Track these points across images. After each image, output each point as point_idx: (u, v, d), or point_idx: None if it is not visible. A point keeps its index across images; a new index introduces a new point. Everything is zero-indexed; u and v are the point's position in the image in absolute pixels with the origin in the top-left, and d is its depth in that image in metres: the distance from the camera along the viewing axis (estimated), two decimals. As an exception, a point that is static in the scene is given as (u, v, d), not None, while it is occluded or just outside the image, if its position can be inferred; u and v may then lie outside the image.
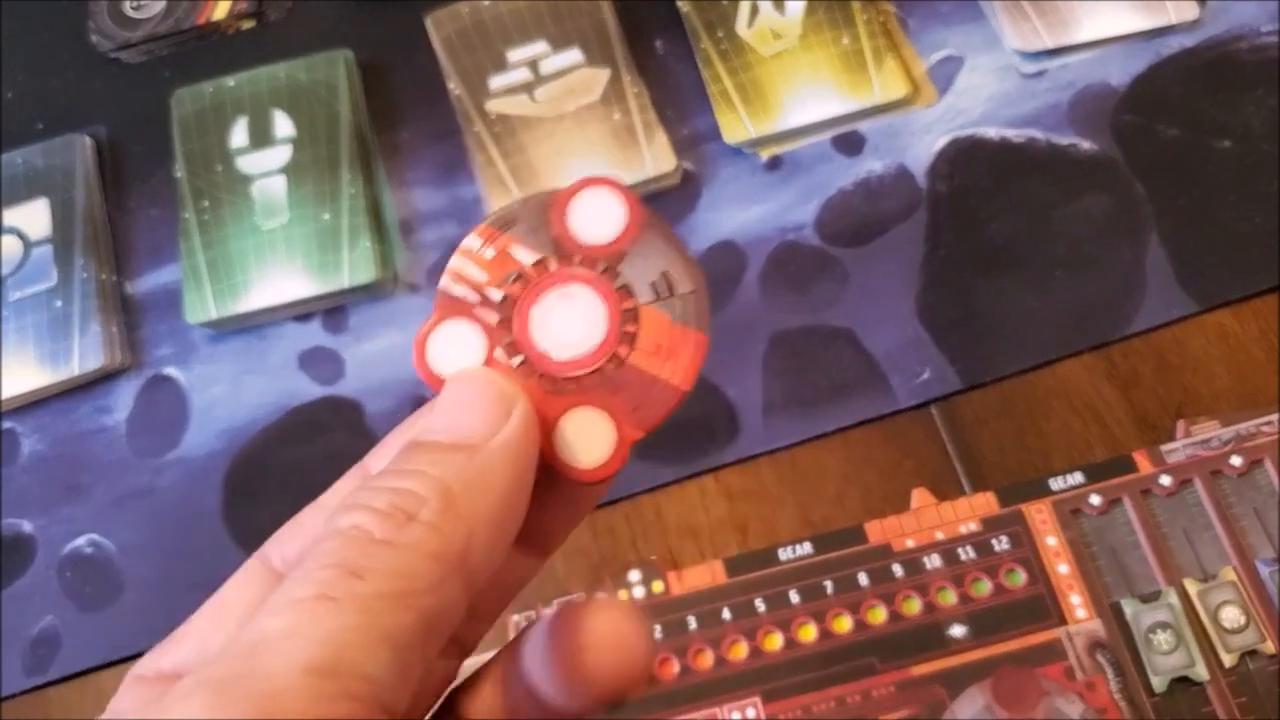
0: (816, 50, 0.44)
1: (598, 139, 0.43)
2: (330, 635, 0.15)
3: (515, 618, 0.35)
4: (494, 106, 0.45)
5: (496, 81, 0.45)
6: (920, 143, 0.43)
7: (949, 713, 0.33)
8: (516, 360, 0.19)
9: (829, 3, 0.45)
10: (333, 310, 0.43)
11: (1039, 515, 0.35)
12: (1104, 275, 0.40)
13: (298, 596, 0.15)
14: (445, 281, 0.20)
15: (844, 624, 0.34)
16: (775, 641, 0.34)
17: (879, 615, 0.34)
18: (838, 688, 0.34)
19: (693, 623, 0.35)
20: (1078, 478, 0.36)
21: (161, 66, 0.48)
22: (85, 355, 0.42)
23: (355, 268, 0.42)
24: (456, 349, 0.19)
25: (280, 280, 0.42)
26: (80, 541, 0.40)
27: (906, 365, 0.39)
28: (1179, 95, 0.42)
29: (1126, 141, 0.42)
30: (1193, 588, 0.34)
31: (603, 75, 0.44)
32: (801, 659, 0.34)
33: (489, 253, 0.20)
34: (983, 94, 0.43)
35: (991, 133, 0.43)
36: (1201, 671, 0.33)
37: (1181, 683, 0.33)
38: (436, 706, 0.20)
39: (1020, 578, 0.35)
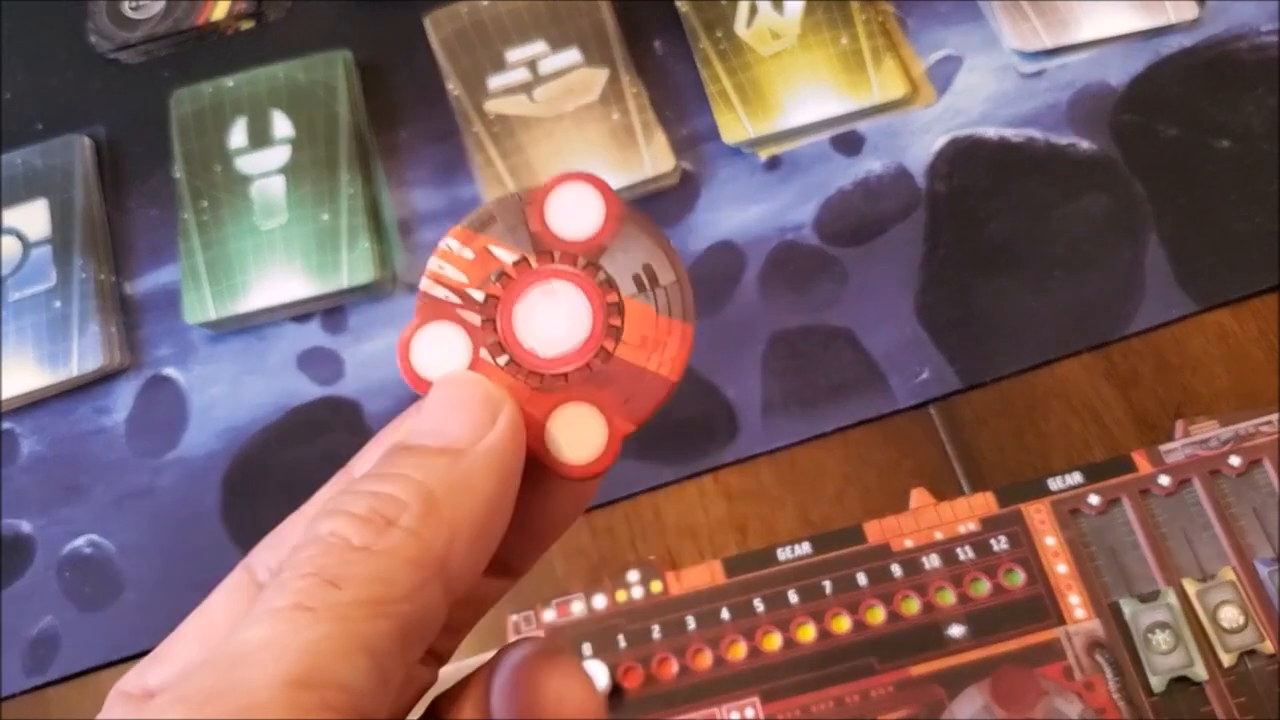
0: (815, 50, 0.44)
1: (596, 139, 0.43)
2: (307, 645, 0.15)
3: (514, 618, 0.35)
4: (493, 107, 0.45)
5: (495, 82, 0.45)
6: (919, 142, 0.43)
7: (948, 713, 0.33)
8: (502, 360, 0.19)
9: (828, 2, 0.45)
10: (332, 310, 0.43)
11: (1038, 515, 0.35)
12: (1103, 275, 0.40)
13: (275, 606, 0.15)
14: (425, 284, 0.20)
15: (843, 624, 0.34)
16: (774, 641, 0.34)
17: (878, 615, 0.34)
18: (836, 688, 0.34)
19: (691, 623, 0.35)
20: (1076, 478, 0.36)
21: (160, 67, 0.48)
22: (84, 356, 0.42)
23: (354, 268, 0.42)
24: (440, 351, 0.19)
25: (279, 280, 0.42)
26: (80, 542, 0.40)
27: (905, 365, 0.39)
28: (1178, 95, 0.42)
29: (1126, 141, 0.42)
30: (1191, 587, 0.34)
31: (601, 75, 0.44)
32: (800, 659, 0.34)
33: (467, 254, 0.20)
34: (981, 94, 0.43)
35: (990, 132, 0.43)
36: (1200, 671, 0.33)
37: (1180, 682, 0.33)
38: (421, 714, 0.20)
39: (1019, 578, 0.35)
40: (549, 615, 0.35)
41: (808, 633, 0.34)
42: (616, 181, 0.42)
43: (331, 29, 0.48)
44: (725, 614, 0.35)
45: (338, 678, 0.15)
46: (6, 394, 0.42)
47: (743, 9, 0.45)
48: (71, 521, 0.40)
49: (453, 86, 0.45)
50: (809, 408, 0.39)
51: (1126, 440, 0.37)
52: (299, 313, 0.43)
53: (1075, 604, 0.34)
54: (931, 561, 0.35)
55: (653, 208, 0.43)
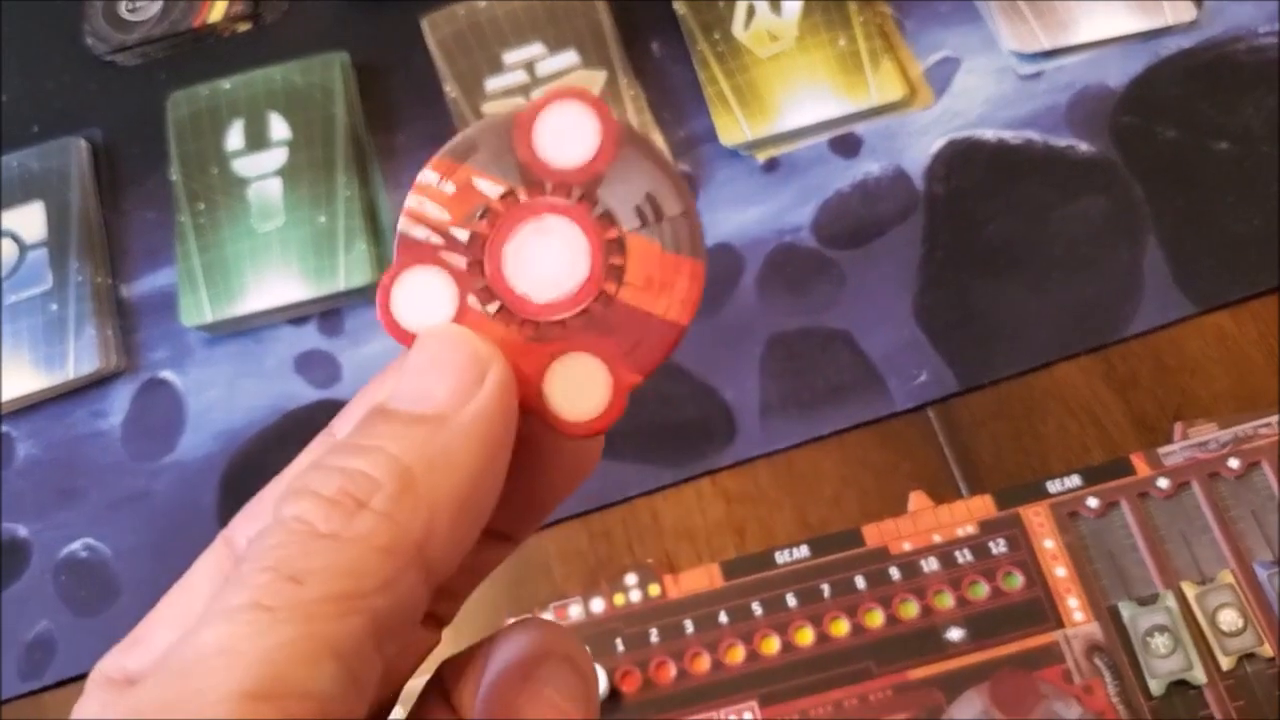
0: (813, 52, 0.44)
1: (594, 141, 0.43)
2: (266, 652, 0.13)
3: (510, 621, 0.35)
4: (490, 109, 0.45)
5: (493, 84, 0.45)
6: (917, 144, 0.43)
7: (946, 716, 0.33)
8: (493, 307, 0.17)
9: (825, 4, 0.44)
10: (328, 313, 0.42)
11: (1036, 518, 0.35)
12: (1102, 277, 0.40)
13: (232, 605, 0.14)
14: (403, 224, 0.18)
15: (841, 627, 0.34)
16: (772, 645, 0.34)
17: (876, 618, 0.34)
18: (835, 691, 0.34)
19: (689, 626, 0.35)
20: (1075, 480, 0.36)
21: (157, 69, 0.48)
22: (80, 359, 0.42)
23: (351, 271, 0.42)
24: (424, 299, 0.17)
25: (276, 283, 0.42)
26: (76, 546, 0.40)
27: (903, 367, 0.39)
28: (1177, 97, 0.42)
29: (1124, 143, 0.42)
30: (1190, 590, 0.34)
31: (599, 77, 0.44)
32: (798, 662, 0.34)
33: (449, 187, 0.17)
34: (980, 96, 0.43)
35: (989, 134, 0.43)
36: (1199, 674, 0.33)
37: (1179, 686, 0.33)
38: (427, 679, 0.19)
39: (1017, 581, 0.34)
40: (546, 619, 0.35)
41: (806, 636, 0.34)
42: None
43: (328, 31, 0.48)
44: (723, 617, 0.35)
45: (301, 686, 0.13)
46: (3, 397, 0.41)
47: (740, 11, 0.45)
48: (67, 525, 0.40)
49: (450, 89, 0.45)
50: (807, 410, 0.39)
51: (1125, 443, 0.37)
52: (296, 315, 0.42)
53: (1074, 607, 0.34)
54: (930, 564, 0.35)
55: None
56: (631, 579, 0.36)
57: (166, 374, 0.42)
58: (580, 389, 0.17)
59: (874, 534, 0.36)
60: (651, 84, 0.45)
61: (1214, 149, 0.41)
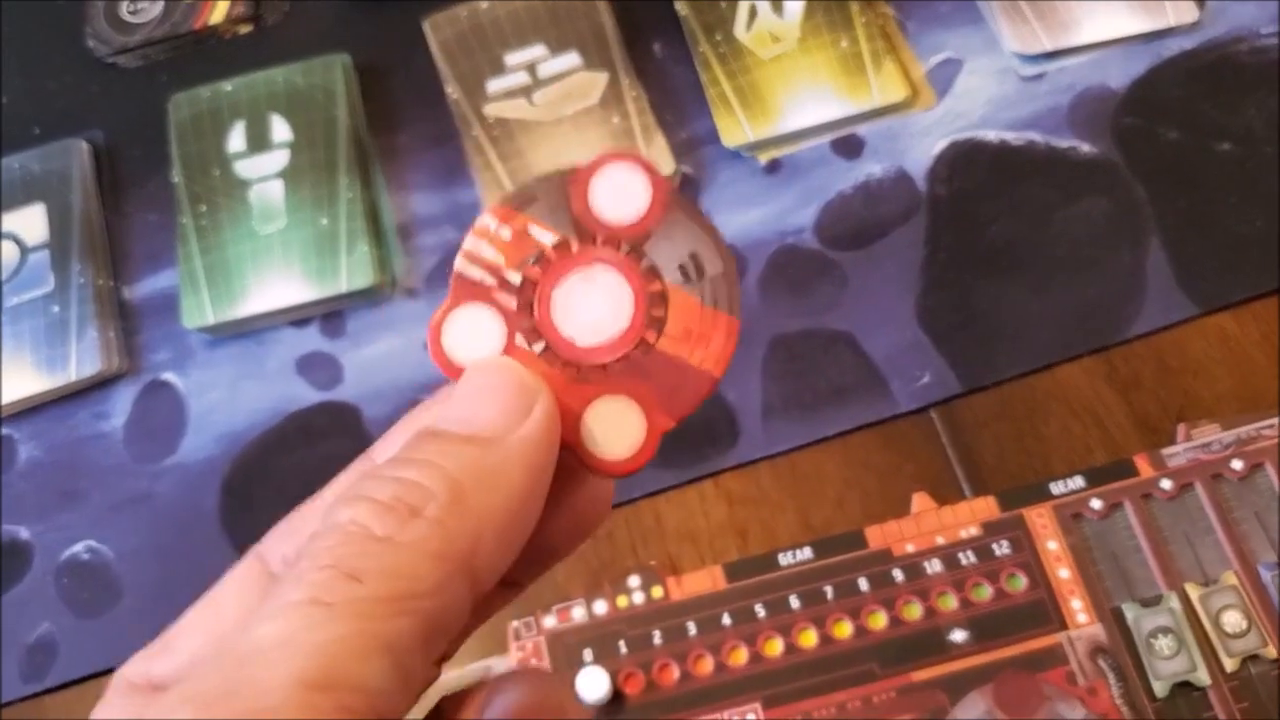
0: (815, 53, 0.44)
1: (596, 143, 0.43)
2: (324, 645, 0.14)
3: (514, 624, 0.35)
4: (492, 110, 0.45)
5: (494, 85, 0.45)
6: (919, 146, 0.43)
7: (950, 717, 0.33)
8: (538, 347, 0.18)
9: (827, 5, 0.44)
10: (330, 315, 0.42)
11: (1039, 519, 0.35)
12: (1104, 278, 0.40)
13: (291, 600, 0.14)
14: (460, 263, 0.19)
15: (844, 629, 0.34)
16: (775, 647, 0.34)
17: (879, 620, 0.34)
18: (838, 693, 0.34)
19: (692, 628, 0.35)
20: (1078, 482, 0.36)
21: (158, 71, 0.48)
22: (82, 361, 0.42)
23: (353, 272, 0.42)
24: (474, 335, 0.18)
25: (278, 285, 0.42)
26: (78, 548, 0.40)
27: (906, 369, 0.39)
28: (1179, 98, 0.42)
29: (1127, 144, 0.42)
30: (1194, 592, 0.34)
31: (601, 79, 0.44)
32: (802, 664, 0.34)
33: (505, 233, 0.19)
34: (982, 97, 0.43)
35: (991, 135, 0.43)
36: (1203, 676, 0.33)
37: (1183, 688, 0.33)
38: (424, 714, 0.19)
39: (1021, 582, 0.34)
40: (549, 621, 0.35)
41: (809, 638, 0.34)
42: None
43: (330, 32, 0.48)
44: (726, 619, 0.35)
45: (355, 679, 0.14)
46: (4, 399, 0.41)
47: (742, 12, 0.45)
48: (69, 527, 0.40)
49: (452, 90, 0.45)
50: (809, 412, 0.39)
51: (1128, 444, 0.37)
52: (297, 317, 0.42)
53: (1077, 608, 0.34)
54: (933, 566, 0.35)
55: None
56: (634, 581, 0.36)
57: (168, 376, 0.42)
58: (616, 429, 0.18)
59: (877, 535, 0.36)
60: (653, 85, 0.45)
61: (1216, 150, 0.41)
